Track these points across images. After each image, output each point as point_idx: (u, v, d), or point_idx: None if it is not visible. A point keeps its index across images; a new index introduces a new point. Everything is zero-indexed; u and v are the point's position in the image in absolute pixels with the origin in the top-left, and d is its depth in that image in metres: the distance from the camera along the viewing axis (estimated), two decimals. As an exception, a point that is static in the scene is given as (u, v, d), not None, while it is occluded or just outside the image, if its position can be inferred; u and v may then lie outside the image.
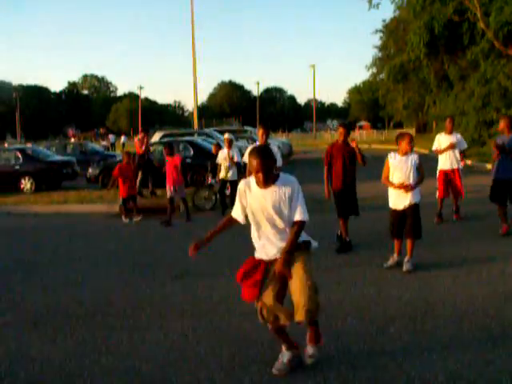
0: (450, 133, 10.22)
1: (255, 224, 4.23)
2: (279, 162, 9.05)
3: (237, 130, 32.58)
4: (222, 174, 12.41)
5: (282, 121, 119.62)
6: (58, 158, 21.73)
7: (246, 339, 4.98)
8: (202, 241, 4.27)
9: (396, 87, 46.14)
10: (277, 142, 29.59)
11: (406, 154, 6.98)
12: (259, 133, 9.11)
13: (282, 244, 4.13)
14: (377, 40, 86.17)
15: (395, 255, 7.22)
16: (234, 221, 4.38)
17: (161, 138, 21.71)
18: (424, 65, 35.06)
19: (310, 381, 4.12)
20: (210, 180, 13.38)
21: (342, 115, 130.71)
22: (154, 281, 7.23)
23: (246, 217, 4.29)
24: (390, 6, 38.15)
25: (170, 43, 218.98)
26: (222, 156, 12.41)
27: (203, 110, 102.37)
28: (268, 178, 4.02)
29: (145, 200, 14.64)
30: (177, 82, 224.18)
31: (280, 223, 4.15)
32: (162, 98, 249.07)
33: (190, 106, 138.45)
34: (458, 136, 10.35)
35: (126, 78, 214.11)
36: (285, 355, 4.33)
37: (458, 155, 10.11)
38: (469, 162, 10.80)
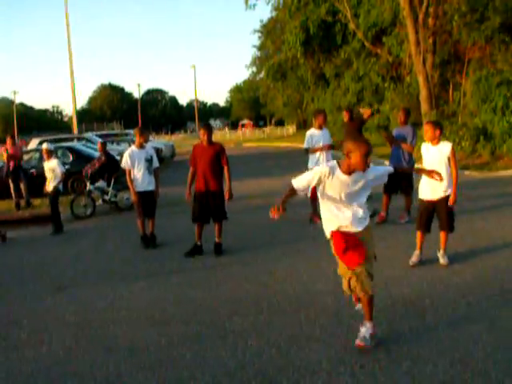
0: (321, 128, 9.73)
1: (333, 203, 4.47)
2: (156, 164, 9.02)
3: (118, 134, 31.96)
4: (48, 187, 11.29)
5: (165, 122, 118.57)
6: None
7: (132, 347, 4.86)
8: (283, 207, 4.42)
9: (275, 85, 47.34)
10: (159, 143, 29.35)
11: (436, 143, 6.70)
12: (136, 136, 9.06)
13: (361, 223, 4.48)
14: (256, 40, 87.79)
15: (418, 251, 6.86)
16: (295, 192, 4.60)
17: (38, 145, 20.79)
18: (301, 63, 36.25)
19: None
20: (88, 186, 12.91)
21: (224, 114, 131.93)
22: (34, 294, 6.86)
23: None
24: (268, 7, 39.10)
25: (45, 46, 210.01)
26: (45, 168, 11.31)
27: (83, 114, 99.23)
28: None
29: (22, 211, 13.98)
30: (55, 86, 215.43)
31: (357, 205, 4.46)
32: (40, 103, 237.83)
33: (69, 110, 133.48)
34: (327, 131, 10.01)
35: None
36: (369, 328, 4.47)
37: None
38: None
